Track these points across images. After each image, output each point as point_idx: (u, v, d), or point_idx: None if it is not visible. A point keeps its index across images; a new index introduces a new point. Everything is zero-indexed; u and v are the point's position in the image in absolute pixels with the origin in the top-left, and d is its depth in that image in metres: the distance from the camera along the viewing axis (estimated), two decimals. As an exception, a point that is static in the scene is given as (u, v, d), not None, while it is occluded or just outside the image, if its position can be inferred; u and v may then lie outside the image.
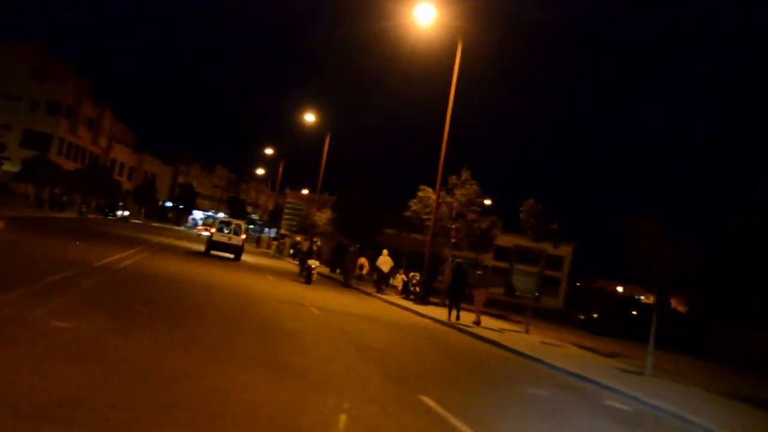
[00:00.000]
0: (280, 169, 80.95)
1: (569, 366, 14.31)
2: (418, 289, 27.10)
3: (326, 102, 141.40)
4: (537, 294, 68.35)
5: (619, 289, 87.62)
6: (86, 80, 78.48)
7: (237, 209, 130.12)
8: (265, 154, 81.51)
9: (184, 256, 28.61)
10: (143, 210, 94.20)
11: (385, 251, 30.96)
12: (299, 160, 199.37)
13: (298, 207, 74.81)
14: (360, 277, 33.01)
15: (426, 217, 28.33)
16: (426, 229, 28.38)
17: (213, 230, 32.97)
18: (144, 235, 40.16)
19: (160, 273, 18.00)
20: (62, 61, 74.54)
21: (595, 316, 35.52)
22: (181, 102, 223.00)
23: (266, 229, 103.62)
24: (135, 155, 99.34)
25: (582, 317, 36.84)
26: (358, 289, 29.37)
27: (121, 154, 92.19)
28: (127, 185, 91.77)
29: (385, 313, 20.90)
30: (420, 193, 29.36)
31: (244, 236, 34.01)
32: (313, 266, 27.52)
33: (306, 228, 57.41)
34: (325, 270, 40.22)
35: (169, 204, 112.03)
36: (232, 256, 32.26)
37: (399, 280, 30.11)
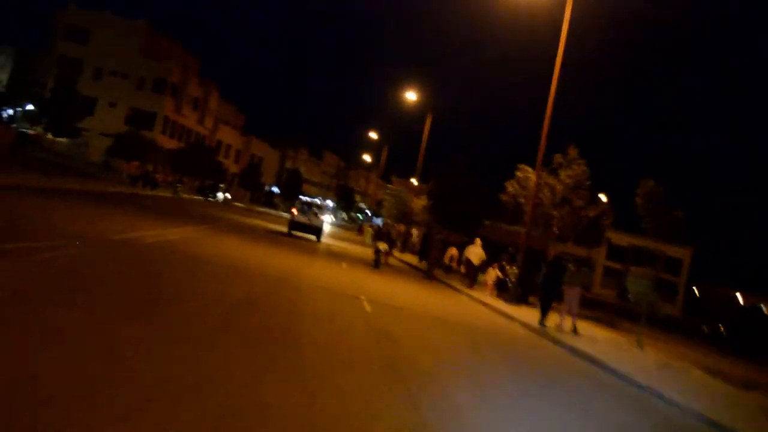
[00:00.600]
0: (383, 156, 78.48)
1: (700, 406, 10.26)
2: (511, 285, 23.28)
3: (427, 83, 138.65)
4: (655, 300, 62.43)
5: (739, 297, 79.73)
6: (193, 59, 78.35)
7: (345, 197, 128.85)
8: (371, 141, 79.33)
9: (258, 237, 26.00)
10: (249, 194, 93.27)
11: (477, 240, 27.13)
12: (406, 148, 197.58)
13: (399, 195, 71.75)
14: (449, 269, 29.51)
15: (524, 201, 24.43)
16: (524, 215, 24.46)
17: (295, 211, 31.50)
18: (231, 215, 38.22)
19: (198, 253, 14.82)
20: (170, 39, 74.57)
21: (722, 329, 30.94)
22: (291, 86, 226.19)
23: (375, 219, 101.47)
24: (242, 138, 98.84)
25: (706, 330, 32.30)
26: (443, 282, 25.84)
27: (228, 135, 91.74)
28: (233, 168, 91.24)
29: (462, 314, 17.26)
30: (518, 173, 25.52)
31: (324, 217, 33.03)
32: (382, 249, 24.60)
33: (404, 216, 54.53)
34: (414, 259, 37.34)
35: (275, 189, 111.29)
36: (314, 237, 32.02)
37: (492, 274, 25.91)
